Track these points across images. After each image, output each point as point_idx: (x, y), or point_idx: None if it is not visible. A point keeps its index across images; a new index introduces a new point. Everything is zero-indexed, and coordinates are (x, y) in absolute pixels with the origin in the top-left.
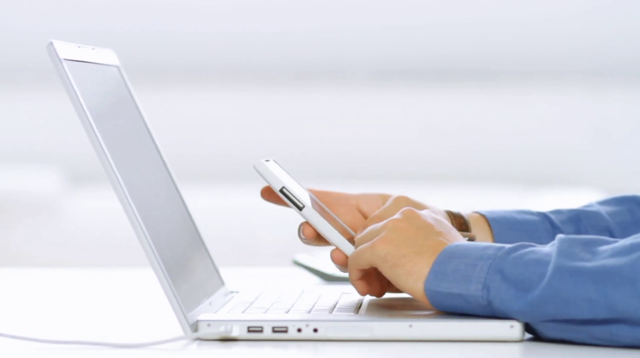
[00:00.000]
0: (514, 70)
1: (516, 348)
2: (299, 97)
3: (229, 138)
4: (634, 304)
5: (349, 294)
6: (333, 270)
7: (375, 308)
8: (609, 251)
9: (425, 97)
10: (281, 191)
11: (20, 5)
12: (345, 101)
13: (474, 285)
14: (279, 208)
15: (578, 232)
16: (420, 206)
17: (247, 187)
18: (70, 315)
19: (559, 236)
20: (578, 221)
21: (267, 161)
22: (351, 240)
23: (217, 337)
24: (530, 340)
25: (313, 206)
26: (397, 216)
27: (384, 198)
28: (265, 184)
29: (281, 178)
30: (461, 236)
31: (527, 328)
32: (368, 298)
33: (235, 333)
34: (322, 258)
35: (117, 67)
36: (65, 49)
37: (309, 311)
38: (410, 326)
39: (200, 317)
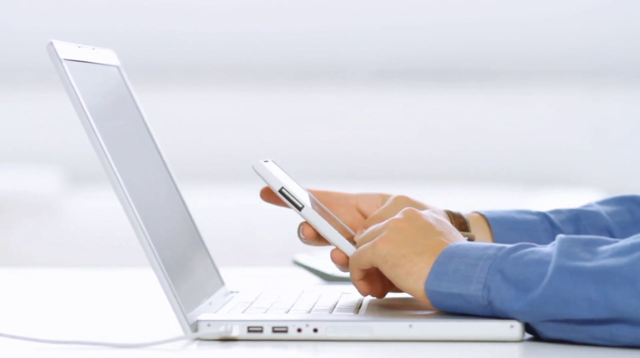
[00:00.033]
0: (514, 70)
1: (516, 348)
2: (299, 97)
3: (229, 138)
4: (634, 304)
5: (349, 294)
6: (333, 270)
7: (375, 308)
8: (609, 251)
9: (425, 97)
10: (280, 191)
11: (20, 5)
12: (345, 101)
13: (474, 285)
14: (279, 208)
15: (577, 232)
16: (420, 206)
17: (247, 187)
18: (70, 315)
19: (559, 236)
20: (577, 221)
21: (266, 161)
22: (351, 240)
23: (217, 337)
24: (530, 340)
25: (312, 206)
26: (398, 216)
27: (384, 197)
28: (264, 185)
29: (280, 179)
30: (462, 237)
31: (527, 328)
32: (368, 297)
33: (235, 333)
34: (322, 258)
35: (117, 67)
36: (65, 49)
37: (309, 311)
38: (410, 326)
39: (200, 317)
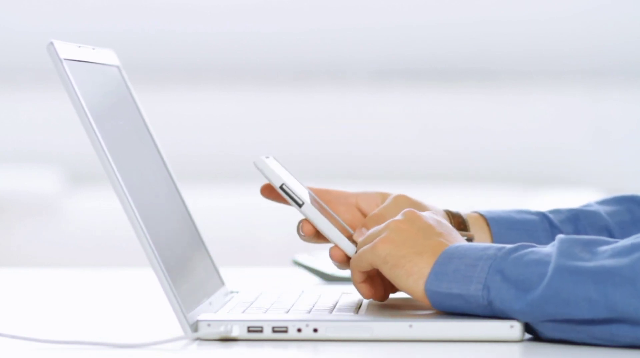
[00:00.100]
0: (514, 70)
1: (516, 348)
2: (299, 97)
3: (229, 138)
4: (634, 304)
5: (349, 294)
6: (333, 270)
7: (375, 308)
8: (609, 252)
9: (425, 97)
10: (281, 187)
11: (20, 5)
12: (345, 101)
13: (474, 285)
14: (279, 208)
15: (577, 232)
16: (420, 205)
17: (247, 187)
18: (70, 315)
19: (559, 236)
20: (577, 220)
21: (267, 157)
22: (350, 238)
23: (217, 337)
24: (530, 340)
25: (312, 204)
26: (398, 217)
27: (384, 196)
28: (264, 181)
29: (281, 175)
30: (461, 237)
31: (527, 328)
32: None
33: (235, 333)
34: (322, 258)
35: (117, 67)
36: (66, 49)
37: (309, 311)
38: (410, 326)
39: (200, 317)
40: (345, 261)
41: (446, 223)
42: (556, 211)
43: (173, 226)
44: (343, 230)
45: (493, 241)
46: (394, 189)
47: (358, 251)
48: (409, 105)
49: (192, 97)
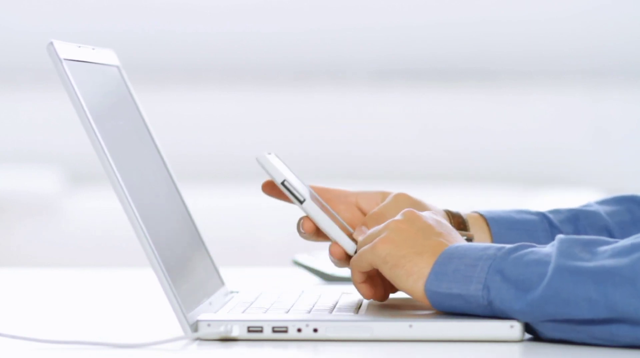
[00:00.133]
0: (514, 70)
1: (516, 348)
2: (299, 97)
3: (229, 138)
4: (634, 304)
5: (349, 294)
6: (333, 270)
7: (375, 308)
8: (609, 252)
9: (425, 97)
10: (282, 184)
11: (20, 5)
12: (345, 101)
13: (474, 285)
14: (279, 208)
15: (577, 232)
16: (420, 204)
17: (247, 187)
18: (70, 315)
19: (559, 236)
20: (577, 220)
21: (269, 154)
22: (350, 237)
23: (217, 337)
24: (530, 340)
25: (313, 201)
26: (398, 217)
27: (384, 195)
28: (266, 177)
29: (283, 172)
30: (461, 237)
31: (527, 328)
32: None
33: (235, 333)
34: (322, 258)
35: (117, 67)
36: (65, 49)
37: (309, 311)
38: (410, 326)
39: (200, 317)
40: (344, 258)
41: (446, 223)
42: (556, 211)
43: (173, 226)
44: (343, 228)
45: (493, 241)
46: (394, 189)
47: (358, 252)
48: (409, 105)
49: (192, 97)
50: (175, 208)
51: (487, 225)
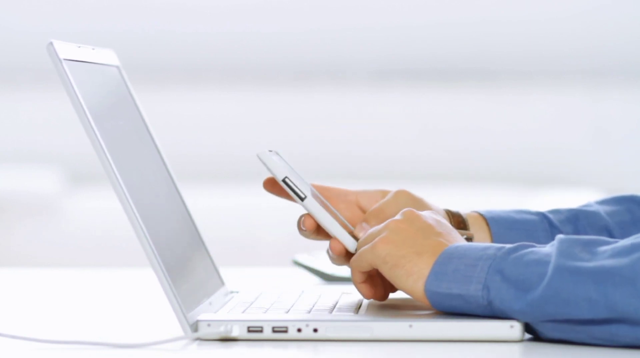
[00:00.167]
0: (514, 70)
1: (516, 348)
2: (299, 97)
3: (229, 138)
4: (634, 304)
5: (349, 294)
6: (333, 269)
7: (375, 308)
8: (609, 252)
9: (425, 97)
10: (284, 180)
11: (20, 5)
12: (345, 101)
13: (474, 285)
14: (279, 208)
15: (577, 232)
16: (420, 201)
17: (247, 187)
18: (70, 315)
19: (559, 236)
20: (577, 220)
21: (270, 151)
22: (351, 234)
23: (217, 337)
24: (530, 340)
25: (314, 198)
26: (397, 216)
27: (384, 193)
28: (267, 174)
29: (284, 169)
30: (461, 237)
31: (527, 328)
32: None
33: (235, 333)
34: (322, 258)
35: (117, 67)
36: (65, 49)
37: (309, 311)
38: (410, 326)
39: (200, 317)
40: (344, 254)
41: (446, 222)
42: (556, 211)
43: (173, 226)
44: (344, 226)
45: (493, 241)
46: (394, 189)
47: (358, 252)
48: (409, 105)
49: (192, 97)
50: (175, 208)
51: (487, 224)
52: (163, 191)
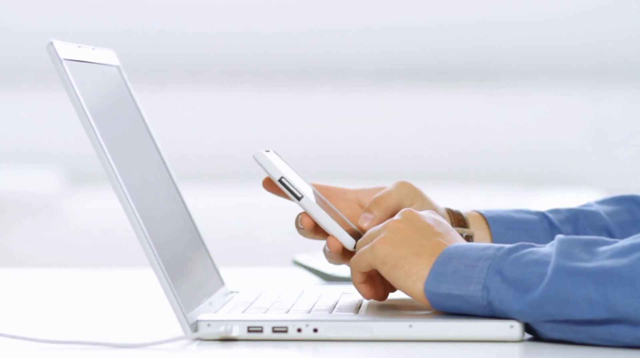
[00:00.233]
0: (514, 70)
1: (516, 348)
2: (299, 97)
3: (229, 138)
4: (634, 304)
5: (349, 294)
6: (333, 269)
7: (375, 308)
8: (609, 252)
9: (425, 97)
10: (280, 181)
11: (20, 5)
12: (345, 101)
13: (473, 286)
14: (279, 208)
15: (576, 231)
16: (421, 194)
17: (247, 187)
18: (70, 315)
19: (559, 236)
20: (576, 220)
21: (267, 151)
22: (351, 232)
23: (217, 337)
24: (530, 340)
25: (313, 198)
26: (396, 217)
27: None
28: (265, 174)
29: (280, 168)
30: (461, 237)
31: (527, 328)
32: None
33: (235, 333)
34: (322, 258)
35: (117, 67)
36: (65, 49)
37: (309, 311)
38: (410, 326)
39: (200, 317)
40: (341, 252)
41: (445, 222)
42: (556, 211)
43: (173, 226)
44: (343, 224)
45: (492, 240)
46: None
47: (357, 252)
48: (409, 105)
49: (192, 97)
50: (175, 208)
51: (487, 224)
52: (163, 191)
